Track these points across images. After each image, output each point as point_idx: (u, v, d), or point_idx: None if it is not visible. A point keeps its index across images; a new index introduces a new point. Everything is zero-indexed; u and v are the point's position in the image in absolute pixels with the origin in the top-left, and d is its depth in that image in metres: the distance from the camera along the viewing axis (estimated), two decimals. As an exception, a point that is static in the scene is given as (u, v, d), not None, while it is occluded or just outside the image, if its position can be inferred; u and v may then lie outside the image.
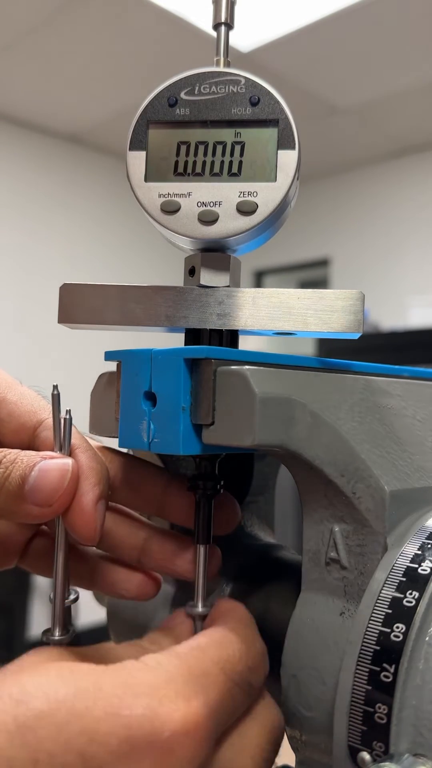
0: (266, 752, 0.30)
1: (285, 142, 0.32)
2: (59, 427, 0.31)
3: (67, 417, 0.31)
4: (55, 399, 0.31)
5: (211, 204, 0.32)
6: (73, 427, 0.31)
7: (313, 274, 4.36)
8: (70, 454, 0.31)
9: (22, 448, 0.31)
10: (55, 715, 0.24)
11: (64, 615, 0.31)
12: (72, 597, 0.32)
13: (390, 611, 0.27)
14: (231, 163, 0.32)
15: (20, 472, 0.29)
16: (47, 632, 0.31)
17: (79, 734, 0.24)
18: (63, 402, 0.31)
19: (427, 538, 0.29)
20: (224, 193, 0.32)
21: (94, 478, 0.31)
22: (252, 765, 0.29)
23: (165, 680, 0.26)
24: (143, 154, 0.33)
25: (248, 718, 0.30)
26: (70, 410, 0.31)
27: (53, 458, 0.30)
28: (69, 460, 0.30)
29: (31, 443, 0.32)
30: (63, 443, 0.31)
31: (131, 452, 0.41)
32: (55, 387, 0.31)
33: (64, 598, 0.31)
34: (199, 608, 0.33)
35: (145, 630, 0.38)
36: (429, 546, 0.29)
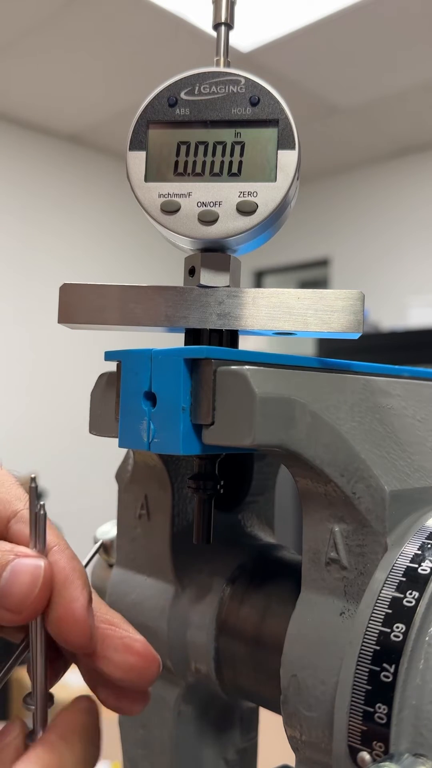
0: None
1: (285, 142, 0.32)
2: (35, 523, 0.29)
3: (42, 512, 0.29)
4: (33, 491, 0.29)
5: (211, 204, 0.32)
6: (48, 522, 0.29)
7: (313, 274, 4.36)
8: (46, 553, 0.29)
9: None
10: None
11: (45, 715, 0.29)
12: (49, 703, 0.30)
13: (390, 611, 0.27)
14: (231, 163, 0.32)
15: None
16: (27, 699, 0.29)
17: None
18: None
19: (427, 538, 0.29)
20: (224, 193, 0.32)
21: (79, 580, 0.28)
22: None
23: None
24: (143, 154, 0.33)
25: None
26: (44, 504, 0.29)
27: (27, 556, 0.28)
28: (41, 562, 0.28)
29: (3, 535, 0.30)
30: (37, 540, 0.29)
31: (132, 457, 0.41)
32: (33, 479, 0.29)
33: (46, 701, 0.29)
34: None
35: (146, 631, 0.38)
36: (429, 546, 0.29)
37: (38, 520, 0.28)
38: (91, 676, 0.31)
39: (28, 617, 0.28)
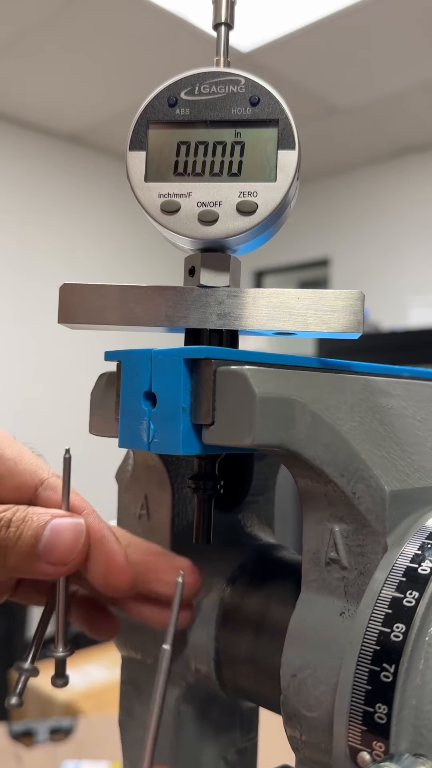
0: None
1: (285, 142, 0.32)
2: (68, 491, 0.32)
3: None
4: (67, 462, 0.32)
5: (211, 204, 0.32)
6: (75, 490, 0.32)
7: (313, 274, 4.36)
8: (75, 512, 0.32)
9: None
10: None
11: (65, 632, 0.33)
12: (69, 649, 0.33)
13: (390, 611, 0.27)
14: (231, 163, 0.32)
15: (32, 531, 0.30)
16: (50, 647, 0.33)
17: None
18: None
19: (427, 538, 0.29)
20: (224, 193, 0.32)
21: (113, 536, 0.32)
22: None
23: None
24: (143, 154, 0.33)
25: None
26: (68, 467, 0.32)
27: (64, 516, 0.31)
28: (81, 520, 0.31)
29: (31, 502, 0.32)
30: (68, 504, 0.32)
31: (132, 457, 0.41)
32: (67, 451, 0.32)
33: (66, 622, 0.33)
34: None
35: (146, 631, 0.38)
36: (429, 546, 0.29)
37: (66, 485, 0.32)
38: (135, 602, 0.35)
39: (71, 569, 0.31)
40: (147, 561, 0.34)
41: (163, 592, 0.34)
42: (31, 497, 0.33)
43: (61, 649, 0.33)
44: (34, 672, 0.33)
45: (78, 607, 0.36)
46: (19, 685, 0.32)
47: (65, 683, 0.34)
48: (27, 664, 0.33)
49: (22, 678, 0.32)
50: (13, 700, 0.32)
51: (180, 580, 0.32)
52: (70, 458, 0.32)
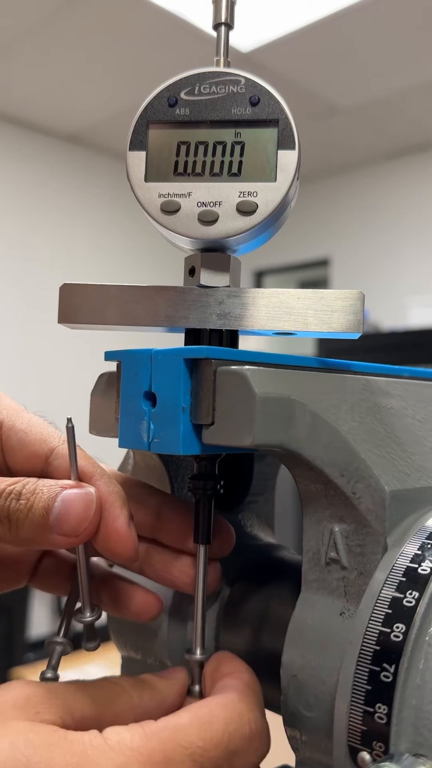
0: None
1: (285, 142, 0.32)
2: (75, 458, 0.32)
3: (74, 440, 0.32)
4: (70, 431, 0.32)
5: (211, 204, 0.32)
6: (84, 452, 0.32)
7: (313, 274, 4.36)
8: (85, 480, 0.32)
9: (35, 476, 0.32)
10: None
11: (90, 597, 0.34)
12: (96, 613, 0.34)
13: (390, 611, 0.27)
14: (231, 163, 0.32)
15: (43, 503, 0.30)
16: (78, 613, 0.34)
17: None
18: (65, 409, 0.32)
19: (427, 538, 0.29)
20: (224, 193, 0.32)
21: (118, 501, 0.32)
22: None
23: (117, 764, 0.25)
24: (143, 154, 0.33)
25: None
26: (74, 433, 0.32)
27: (72, 487, 0.31)
28: (92, 489, 0.31)
29: (43, 471, 0.33)
30: (77, 472, 0.32)
31: (132, 457, 0.41)
32: (69, 420, 0.32)
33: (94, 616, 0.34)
34: (197, 655, 0.33)
35: (146, 631, 0.38)
36: (429, 546, 0.29)
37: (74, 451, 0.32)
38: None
39: (83, 539, 0.31)
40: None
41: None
42: (43, 466, 0.33)
43: (88, 614, 0.33)
44: (68, 646, 0.33)
45: (105, 584, 0.36)
46: (53, 660, 0.33)
47: (96, 646, 0.34)
48: (60, 638, 0.33)
49: (57, 652, 0.33)
50: (49, 674, 0.32)
51: (69, 425, 0.32)
52: (73, 427, 0.32)
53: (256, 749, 0.29)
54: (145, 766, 0.25)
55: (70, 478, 0.31)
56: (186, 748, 0.26)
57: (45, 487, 0.30)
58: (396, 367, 0.36)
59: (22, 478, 0.31)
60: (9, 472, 0.33)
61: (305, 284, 4.53)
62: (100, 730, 0.26)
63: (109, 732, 0.26)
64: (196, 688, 0.33)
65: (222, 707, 0.28)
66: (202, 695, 0.32)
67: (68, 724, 0.27)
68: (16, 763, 0.24)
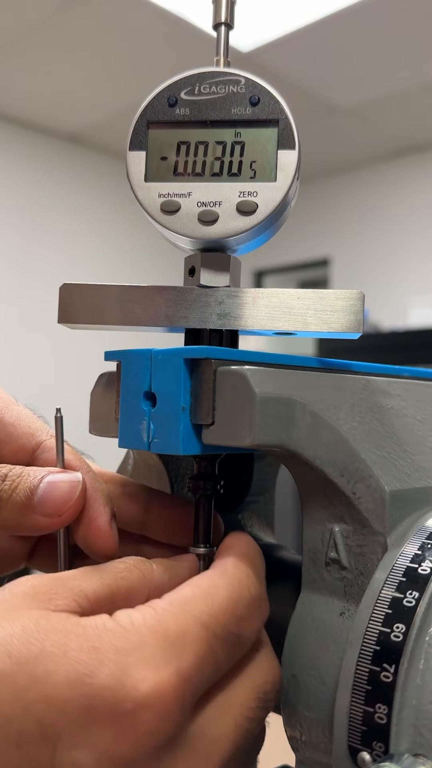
0: (252, 711, 0.28)
1: (285, 142, 0.32)
2: (62, 447, 0.32)
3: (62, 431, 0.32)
4: (58, 422, 0.32)
5: (211, 204, 0.32)
6: (72, 449, 0.32)
7: (313, 274, 4.36)
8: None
9: None
10: (15, 679, 0.23)
11: None
12: None
13: (390, 611, 0.27)
14: (231, 163, 0.32)
15: (28, 484, 0.30)
16: None
17: (38, 701, 0.23)
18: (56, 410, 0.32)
19: (427, 538, 0.29)
20: (224, 193, 0.32)
21: (101, 499, 0.32)
22: (233, 726, 0.27)
23: (135, 645, 0.24)
24: (143, 154, 0.33)
25: (237, 673, 0.28)
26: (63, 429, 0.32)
27: (60, 472, 0.31)
28: (79, 474, 0.31)
29: (30, 464, 0.33)
30: (63, 462, 0.32)
31: (132, 457, 0.41)
32: (58, 410, 0.32)
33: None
34: (200, 549, 0.33)
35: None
36: (429, 546, 0.29)
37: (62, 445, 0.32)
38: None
39: (65, 521, 0.31)
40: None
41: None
42: (29, 460, 0.33)
43: None
44: None
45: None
46: None
47: None
48: None
49: None
50: None
51: (58, 415, 0.32)
52: (61, 417, 0.32)
53: (259, 613, 0.29)
54: (161, 642, 0.25)
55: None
56: (197, 617, 0.26)
57: (32, 470, 0.31)
58: (396, 367, 0.36)
59: (9, 465, 0.31)
60: None
61: (305, 284, 4.53)
62: (115, 609, 0.26)
63: (119, 615, 0.26)
64: None
65: (220, 575, 0.28)
66: None
67: (84, 607, 0.26)
68: (30, 647, 0.24)
